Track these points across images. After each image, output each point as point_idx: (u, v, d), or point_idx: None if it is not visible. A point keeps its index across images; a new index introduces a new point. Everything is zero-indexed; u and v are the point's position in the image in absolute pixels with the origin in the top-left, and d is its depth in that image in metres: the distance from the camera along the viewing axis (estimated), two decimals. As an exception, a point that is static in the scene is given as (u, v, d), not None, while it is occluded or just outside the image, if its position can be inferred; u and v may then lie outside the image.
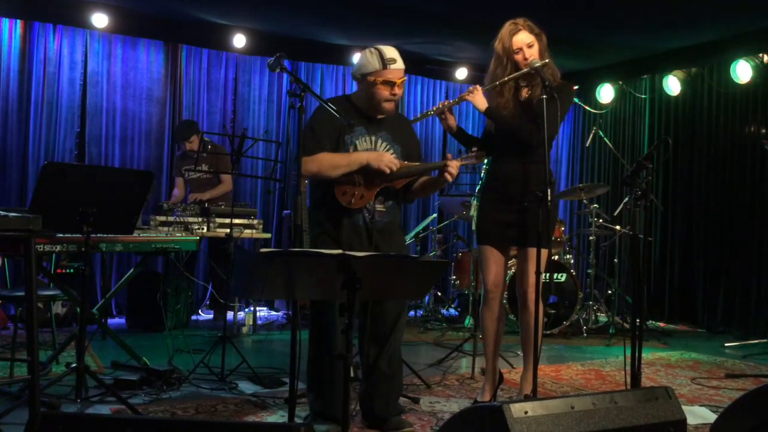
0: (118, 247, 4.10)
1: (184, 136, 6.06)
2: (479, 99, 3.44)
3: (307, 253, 2.21)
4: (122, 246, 4.12)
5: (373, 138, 3.23)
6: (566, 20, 6.10)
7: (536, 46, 3.42)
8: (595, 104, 7.98)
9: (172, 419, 2.88)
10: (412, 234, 6.93)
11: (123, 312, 6.24)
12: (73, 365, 3.35)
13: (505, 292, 4.38)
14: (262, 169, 7.05)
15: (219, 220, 5.49)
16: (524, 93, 3.52)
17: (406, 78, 3.21)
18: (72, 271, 5.56)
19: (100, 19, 6.20)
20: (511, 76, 3.42)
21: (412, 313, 6.78)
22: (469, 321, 6.05)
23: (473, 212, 4.77)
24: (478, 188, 4.29)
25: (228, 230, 5.23)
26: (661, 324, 7.00)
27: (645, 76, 7.52)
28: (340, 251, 2.24)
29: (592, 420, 2.00)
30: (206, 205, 5.59)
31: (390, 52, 3.15)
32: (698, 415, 3.59)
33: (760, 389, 2.14)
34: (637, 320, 3.23)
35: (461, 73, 7.90)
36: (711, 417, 3.56)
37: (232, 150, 4.64)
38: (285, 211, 7.05)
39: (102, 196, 3.26)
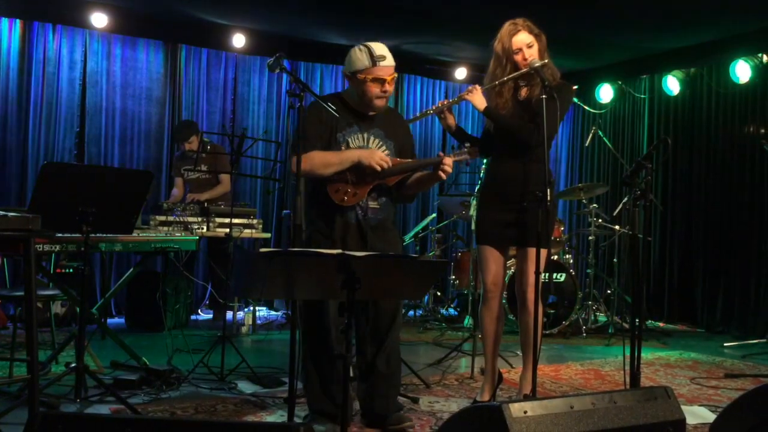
0: (117, 246, 4.10)
1: (183, 137, 6.06)
2: (478, 98, 3.44)
3: (307, 253, 2.21)
4: (121, 246, 4.12)
5: (366, 135, 3.23)
6: (565, 20, 6.10)
7: (536, 46, 3.42)
8: (595, 104, 7.98)
9: (172, 419, 2.88)
10: (412, 234, 6.93)
11: (122, 312, 6.23)
12: (73, 365, 3.35)
13: (505, 292, 4.37)
14: (261, 169, 7.06)
15: (218, 220, 5.49)
16: (524, 93, 3.52)
17: (396, 75, 3.20)
18: (71, 270, 5.56)
19: (99, 19, 6.20)
20: (511, 75, 3.42)
21: (411, 312, 6.78)
22: (468, 321, 6.05)
23: (472, 212, 4.77)
24: (477, 188, 4.29)
25: (227, 230, 5.23)
26: (661, 324, 7.01)
27: (644, 76, 7.53)
28: (339, 251, 2.24)
29: (592, 420, 2.00)
30: (205, 204, 5.59)
31: (379, 48, 3.15)
32: (697, 414, 3.60)
33: (759, 389, 2.14)
34: (637, 320, 3.23)
35: (461, 73, 7.90)
36: (710, 417, 3.56)
37: (232, 150, 4.63)
38: (284, 211, 7.05)
39: (101, 195, 3.26)
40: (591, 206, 6.33)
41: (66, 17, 6.26)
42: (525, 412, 1.93)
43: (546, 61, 3.39)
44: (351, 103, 3.24)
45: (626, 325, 6.03)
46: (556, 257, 6.05)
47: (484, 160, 3.95)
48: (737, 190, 6.61)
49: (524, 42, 3.41)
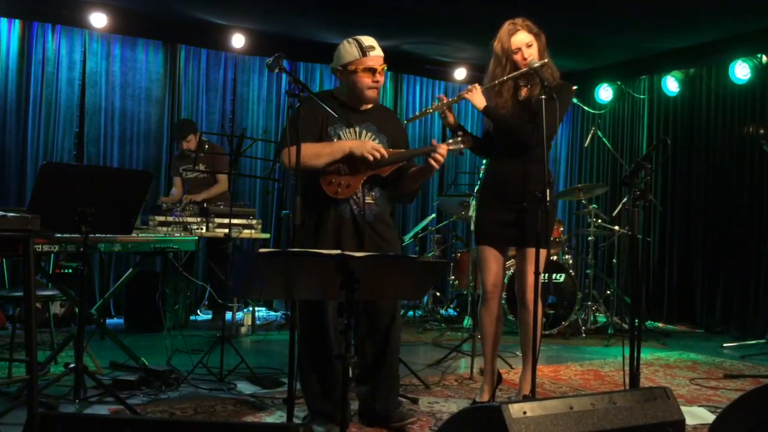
0: (116, 247, 4.09)
1: (181, 135, 6.05)
2: (478, 97, 3.44)
3: (306, 253, 2.21)
4: (121, 246, 4.11)
5: (358, 129, 3.22)
6: (565, 20, 6.10)
7: (535, 46, 3.42)
8: (594, 104, 7.99)
9: (171, 420, 2.88)
10: (411, 234, 6.93)
11: (121, 312, 6.23)
12: (72, 365, 3.35)
13: (504, 293, 4.38)
14: (260, 169, 7.06)
15: (218, 220, 5.49)
16: (523, 93, 3.52)
17: (385, 65, 3.22)
18: (70, 271, 5.56)
19: (98, 19, 6.20)
20: (510, 75, 3.42)
21: (411, 313, 6.78)
22: (467, 321, 6.05)
23: (472, 212, 4.77)
24: (476, 188, 4.29)
25: (227, 230, 5.22)
26: (660, 324, 7.01)
27: (644, 76, 7.53)
28: (338, 251, 2.24)
29: (591, 420, 2.00)
30: (205, 205, 5.58)
31: (368, 40, 3.18)
32: (697, 415, 3.60)
33: (758, 389, 2.14)
34: (636, 320, 3.23)
35: (460, 73, 7.90)
36: (709, 417, 3.56)
37: (231, 150, 4.63)
38: (284, 211, 7.05)
39: (100, 196, 3.25)
40: (590, 207, 6.33)
41: (65, 17, 6.25)
42: (524, 413, 1.93)
43: (546, 60, 3.39)
44: (342, 99, 3.25)
45: (626, 326, 6.04)
46: (555, 258, 6.06)
47: (484, 161, 3.95)
48: (736, 191, 6.61)
49: (523, 42, 3.41)
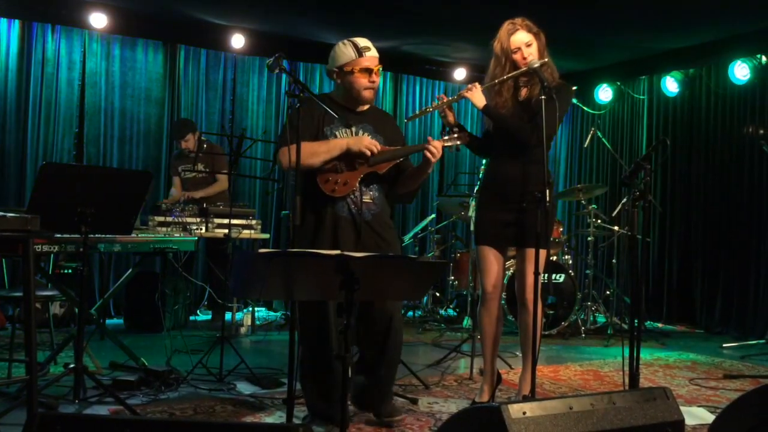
0: (116, 247, 4.09)
1: (179, 135, 6.05)
2: (478, 96, 3.44)
3: (305, 253, 2.21)
4: (120, 246, 4.11)
5: (354, 129, 3.24)
6: (564, 21, 6.10)
7: (535, 45, 3.42)
8: (594, 105, 7.99)
9: (170, 420, 2.88)
10: (411, 234, 6.93)
11: (121, 312, 6.23)
12: (71, 366, 3.35)
13: (504, 293, 4.37)
14: (260, 169, 7.06)
15: (217, 221, 5.49)
16: (523, 93, 3.52)
17: (381, 66, 3.24)
18: (70, 271, 5.56)
19: (98, 20, 6.20)
20: (510, 74, 3.42)
21: (410, 313, 6.78)
22: (467, 321, 6.05)
23: (471, 213, 4.77)
24: (476, 188, 4.29)
25: (226, 231, 5.22)
26: (659, 324, 7.01)
27: (643, 76, 7.54)
28: (338, 252, 2.24)
29: (591, 420, 2.00)
30: (204, 205, 5.59)
31: (363, 41, 3.20)
32: (696, 415, 3.60)
33: (758, 390, 2.14)
34: (636, 321, 3.23)
35: (460, 73, 7.90)
36: (709, 418, 3.56)
37: (231, 150, 4.63)
38: (283, 212, 7.05)
39: (100, 196, 3.25)
40: (590, 207, 6.33)
41: (65, 18, 6.25)
42: (524, 413, 1.93)
43: (545, 60, 3.39)
44: (339, 101, 3.27)
45: (625, 326, 6.04)
46: (555, 258, 6.06)
47: (483, 161, 3.95)
48: (736, 191, 6.61)
49: (523, 41, 3.41)
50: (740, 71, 6.46)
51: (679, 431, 2.15)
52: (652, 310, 7.17)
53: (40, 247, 3.58)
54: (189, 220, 5.38)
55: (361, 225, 3.17)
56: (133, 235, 4.04)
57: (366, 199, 3.21)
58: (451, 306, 7.13)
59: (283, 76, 6.95)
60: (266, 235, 6.11)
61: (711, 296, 6.77)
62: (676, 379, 4.55)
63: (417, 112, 3.59)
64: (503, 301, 5.10)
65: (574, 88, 3.75)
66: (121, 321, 6.07)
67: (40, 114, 6.26)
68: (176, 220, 5.32)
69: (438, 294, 7.03)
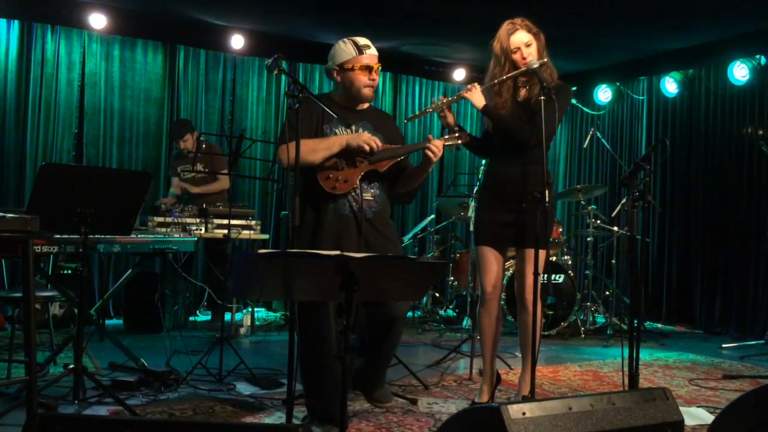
0: (115, 247, 4.09)
1: (178, 135, 6.06)
2: (477, 96, 3.44)
3: (305, 254, 2.21)
4: (120, 247, 4.11)
5: (354, 127, 3.25)
6: (564, 21, 6.11)
7: (534, 45, 3.42)
8: (593, 105, 8.00)
9: (170, 420, 2.88)
10: (410, 235, 6.93)
11: (120, 313, 6.23)
12: (71, 366, 3.35)
13: (503, 294, 4.37)
14: (260, 170, 7.06)
15: (217, 221, 5.49)
16: (522, 93, 3.52)
17: (380, 65, 3.26)
18: (69, 272, 5.56)
19: (98, 20, 6.19)
20: (509, 75, 3.42)
21: (410, 314, 6.77)
22: (466, 322, 6.05)
23: (471, 213, 4.77)
24: (476, 189, 4.29)
25: (226, 231, 5.22)
26: (659, 325, 7.01)
27: (642, 77, 7.54)
28: (337, 252, 2.24)
29: (590, 421, 2.00)
30: (204, 206, 5.59)
31: (363, 39, 3.23)
32: (696, 416, 3.60)
33: (757, 390, 2.14)
34: (635, 321, 3.23)
35: (459, 74, 7.90)
36: (708, 418, 3.56)
37: (230, 151, 4.63)
38: (283, 212, 7.05)
39: (99, 196, 3.25)
40: (589, 207, 6.34)
41: (64, 18, 6.25)
42: (523, 414, 1.93)
43: (545, 60, 3.39)
44: (339, 100, 3.29)
45: (625, 327, 6.04)
46: (554, 258, 6.06)
47: (483, 161, 3.95)
48: (735, 191, 6.62)
49: (522, 41, 3.41)
50: (739, 72, 6.46)
51: None
52: (651, 310, 7.17)
53: (39, 247, 3.58)
54: (188, 220, 5.38)
55: (362, 222, 3.18)
56: (132, 235, 4.04)
57: (367, 196, 3.22)
58: (450, 306, 7.13)
59: (283, 76, 6.94)
60: (266, 236, 6.11)
61: (710, 297, 6.77)
62: (676, 380, 4.55)
63: (416, 113, 3.60)
64: (503, 302, 5.11)
65: (574, 88, 3.75)
66: (120, 321, 6.07)
67: (39, 114, 6.26)
68: (176, 220, 5.32)
69: (437, 294, 7.03)
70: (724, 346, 5.80)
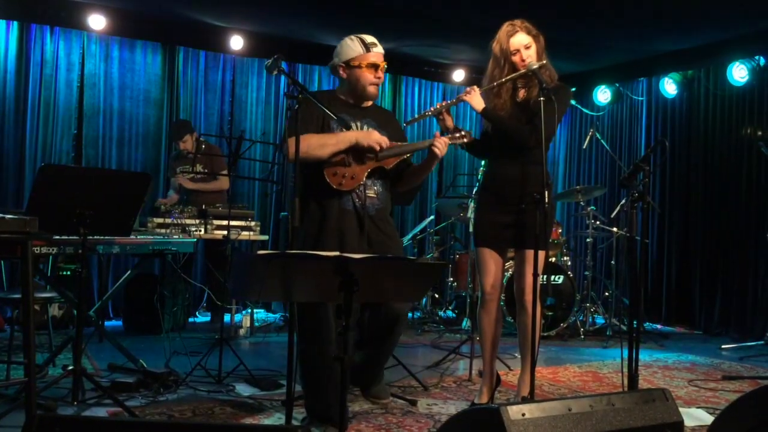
0: (115, 249, 4.09)
1: (177, 136, 6.06)
2: (476, 100, 3.44)
3: (304, 255, 2.20)
4: (119, 248, 4.11)
5: (359, 124, 3.26)
6: (563, 23, 6.11)
7: (534, 47, 3.42)
8: (592, 106, 8.00)
9: (169, 422, 2.88)
10: (410, 236, 6.93)
11: (120, 314, 6.23)
12: (70, 368, 3.34)
13: (503, 295, 4.37)
14: (259, 170, 7.05)
15: (216, 222, 5.48)
16: (522, 94, 3.52)
17: (386, 63, 3.28)
18: (69, 273, 5.55)
19: (97, 21, 6.19)
20: (509, 77, 3.43)
21: (409, 315, 6.77)
22: (466, 323, 6.05)
23: (470, 214, 4.77)
24: (475, 190, 4.29)
25: (225, 232, 5.22)
26: (658, 326, 7.01)
27: (642, 78, 7.54)
28: (337, 253, 2.24)
29: (590, 422, 2.00)
30: (203, 207, 5.58)
31: (369, 37, 3.24)
32: (695, 417, 3.60)
33: (757, 391, 2.14)
34: (634, 322, 3.23)
35: (458, 75, 7.91)
36: (708, 419, 3.56)
37: (230, 152, 4.63)
38: (282, 213, 7.05)
39: (99, 197, 3.25)
40: (589, 208, 6.34)
41: (64, 19, 6.25)
42: (523, 415, 1.93)
43: (544, 62, 3.39)
44: (344, 97, 3.30)
45: (624, 327, 6.03)
46: (554, 259, 6.06)
47: (482, 162, 3.95)
48: (734, 192, 6.62)
49: (522, 43, 3.42)
50: (738, 73, 6.47)
51: (678, 432, 2.15)
52: (651, 311, 7.16)
53: (38, 248, 3.58)
54: (188, 221, 5.38)
55: (364, 219, 3.19)
56: (131, 236, 4.03)
57: (370, 193, 3.23)
58: (450, 307, 7.13)
59: (282, 77, 6.95)
60: (265, 237, 6.11)
61: (710, 297, 6.77)
62: (675, 381, 4.55)
63: (416, 116, 3.60)
64: (502, 303, 5.11)
65: (573, 89, 3.76)
66: (119, 323, 6.06)
67: (38, 115, 6.25)
68: (175, 221, 5.32)
69: (437, 295, 7.04)
70: (723, 347, 5.80)
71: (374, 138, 3.15)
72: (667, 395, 2.18)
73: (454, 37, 6.84)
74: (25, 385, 2.71)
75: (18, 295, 3.93)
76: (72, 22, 6.26)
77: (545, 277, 5.83)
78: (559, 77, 3.55)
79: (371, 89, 3.24)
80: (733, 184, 6.64)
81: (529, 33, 3.44)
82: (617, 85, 7.74)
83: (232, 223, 5.38)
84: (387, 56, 3.32)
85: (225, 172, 5.71)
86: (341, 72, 3.26)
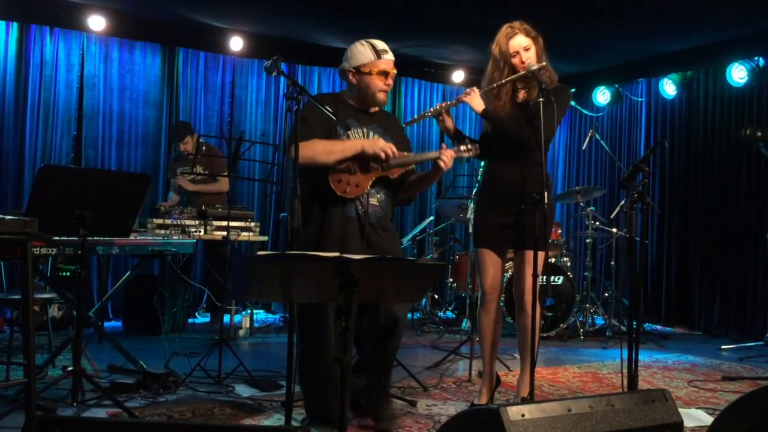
0: (114, 249, 4.09)
1: (177, 138, 6.06)
2: (476, 101, 3.44)
3: (304, 256, 2.20)
4: (119, 249, 4.11)
5: (365, 130, 3.25)
6: (563, 23, 6.11)
7: (533, 49, 3.43)
8: (592, 107, 8.00)
9: (169, 423, 2.88)
10: (409, 237, 6.93)
11: (119, 315, 6.22)
12: (70, 368, 3.34)
13: (503, 295, 4.37)
14: (259, 171, 7.06)
15: (216, 223, 5.48)
16: (521, 95, 3.53)
17: (396, 70, 3.26)
18: (68, 274, 5.55)
19: (97, 22, 6.19)
20: (508, 78, 3.43)
21: (409, 315, 6.78)
22: (466, 324, 6.05)
23: (470, 215, 4.77)
24: (475, 191, 4.29)
25: (225, 233, 5.22)
26: (658, 326, 7.01)
27: (641, 79, 7.55)
28: (337, 254, 2.24)
29: (589, 423, 2.00)
30: (203, 207, 5.59)
31: (381, 43, 3.23)
32: (695, 417, 3.60)
33: (756, 392, 2.14)
34: (634, 323, 3.23)
35: (458, 75, 7.91)
36: (708, 420, 3.56)
37: (229, 153, 4.63)
38: (282, 214, 7.05)
39: (98, 198, 3.25)
40: (588, 209, 6.34)
41: (63, 20, 6.25)
42: (523, 415, 1.93)
43: (543, 63, 3.40)
44: (351, 101, 3.27)
45: (624, 328, 6.03)
46: (553, 260, 6.06)
47: (482, 163, 3.96)
48: (734, 193, 6.62)
49: (521, 45, 3.42)
50: (738, 74, 6.47)
51: (678, 433, 2.15)
52: (650, 311, 7.17)
53: (38, 249, 3.58)
54: (187, 222, 5.38)
55: (366, 226, 3.18)
56: (131, 237, 4.03)
57: (373, 201, 3.22)
58: (449, 308, 7.13)
59: (282, 78, 6.95)
60: (265, 238, 6.11)
61: (709, 298, 6.77)
62: (675, 381, 4.55)
63: (415, 116, 3.60)
64: (501, 303, 5.11)
65: (572, 90, 3.76)
66: (119, 324, 6.06)
67: (38, 116, 6.25)
68: (175, 222, 5.32)
69: (437, 296, 7.04)
70: (723, 347, 5.80)
71: (379, 145, 3.14)
72: (667, 396, 2.18)
73: (454, 37, 6.84)
74: (25, 386, 2.71)
75: (17, 296, 3.93)
76: (72, 23, 6.26)
77: (545, 277, 5.83)
78: (559, 78, 3.56)
79: (380, 96, 3.22)
80: (732, 185, 6.64)
81: (528, 35, 3.44)
82: (617, 85, 7.75)
83: (232, 223, 5.38)
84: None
85: (225, 173, 5.71)
86: (351, 77, 3.24)
